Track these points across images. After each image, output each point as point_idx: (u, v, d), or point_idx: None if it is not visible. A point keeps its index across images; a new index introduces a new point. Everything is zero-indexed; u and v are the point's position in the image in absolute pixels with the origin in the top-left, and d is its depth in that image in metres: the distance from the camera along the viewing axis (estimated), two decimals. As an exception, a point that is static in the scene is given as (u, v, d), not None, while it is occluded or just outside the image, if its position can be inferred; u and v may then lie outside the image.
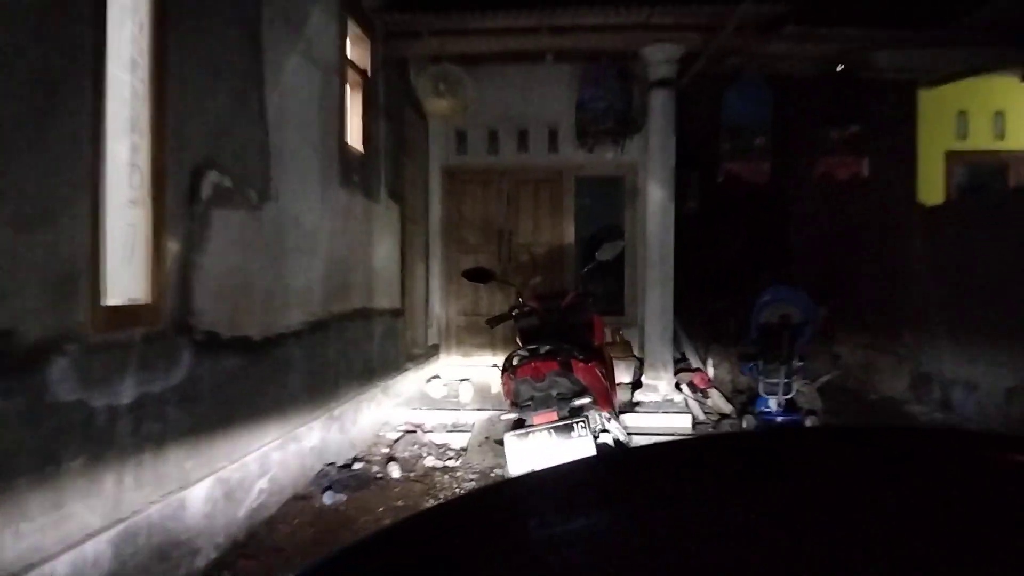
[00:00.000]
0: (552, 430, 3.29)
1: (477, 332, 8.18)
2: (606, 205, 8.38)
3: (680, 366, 8.08)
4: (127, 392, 2.80)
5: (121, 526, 2.77)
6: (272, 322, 4.18)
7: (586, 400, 3.44)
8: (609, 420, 3.96)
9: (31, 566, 2.33)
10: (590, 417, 3.49)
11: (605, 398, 3.80)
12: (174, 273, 3.18)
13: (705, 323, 9.25)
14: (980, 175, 8.99)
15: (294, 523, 4.02)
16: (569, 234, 8.33)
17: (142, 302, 2.96)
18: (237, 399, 3.74)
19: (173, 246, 3.17)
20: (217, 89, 3.64)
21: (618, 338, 8.06)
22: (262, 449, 3.95)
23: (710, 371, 8.21)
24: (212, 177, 3.53)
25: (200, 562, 3.32)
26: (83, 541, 2.58)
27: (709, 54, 6.31)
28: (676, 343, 8.72)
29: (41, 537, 2.41)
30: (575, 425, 3.29)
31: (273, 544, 3.75)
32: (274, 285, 4.22)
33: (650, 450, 1.42)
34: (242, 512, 3.69)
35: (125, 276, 2.86)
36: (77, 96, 2.57)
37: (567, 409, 3.41)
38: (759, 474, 1.01)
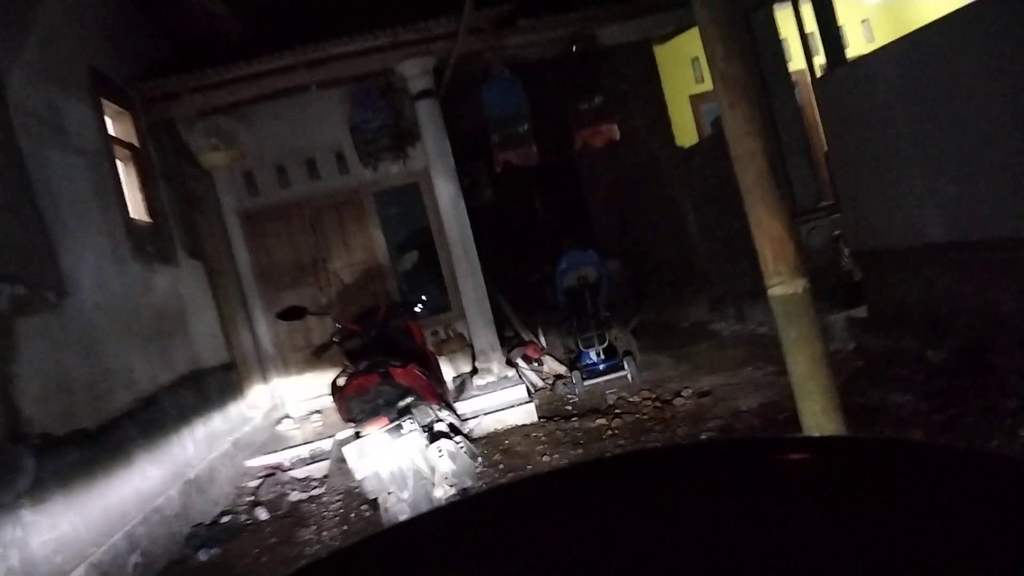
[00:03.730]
0: (385, 432, 3.72)
1: (316, 364, 8.35)
2: (411, 211, 8.72)
3: (514, 342, 8.68)
4: (-23, 510, 2.95)
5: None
6: (102, 408, 4.31)
7: (409, 399, 3.90)
8: (440, 410, 4.43)
9: None
10: (417, 412, 3.95)
11: (430, 392, 4.27)
12: (-7, 389, 3.31)
13: (528, 296, 9.91)
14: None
15: (175, 587, 4.22)
16: (381, 247, 8.62)
17: (-32, 425, 3.09)
18: (89, 487, 3.89)
19: (-16, 365, 3.29)
20: (-13, 204, 3.73)
21: (451, 334, 8.53)
22: (126, 528, 4.10)
23: (542, 340, 8.87)
24: (5, 291, 3.64)
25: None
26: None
27: (457, 60, 6.86)
28: (506, 321, 9.33)
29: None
30: (403, 423, 3.74)
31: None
32: (94, 374, 4.34)
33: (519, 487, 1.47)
34: (121, 591, 3.86)
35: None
36: None
37: (395, 411, 3.84)
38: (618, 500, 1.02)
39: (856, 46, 8.62)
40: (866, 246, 6.08)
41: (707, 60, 2.77)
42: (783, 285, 2.62)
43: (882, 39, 8.30)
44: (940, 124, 4.83)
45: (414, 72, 7.05)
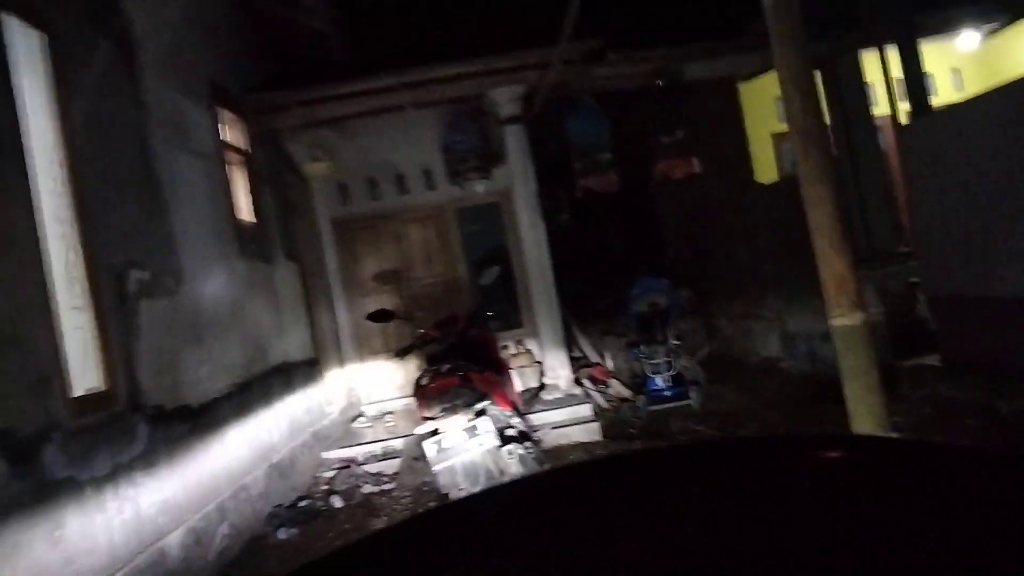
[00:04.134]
0: (462, 431, 4.01)
1: (390, 367, 8.75)
2: (490, 228, 9.07)
3: (581, 363, 8.88)
4: (104, 465, 3.36)
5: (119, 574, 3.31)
6: (205, 390, 4.73)
7: (486, 403, 4.18)
8: (511, 416, 4.70)
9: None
10: (492, 416, 4.23)
11: (504, 399, 4.54)
12: (120, 360, 3.74)
13: (598, 319, 10.08)
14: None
15: (258, 559, 4.57)
16: (460, 261, 9.00)
17: (101, 390, 3.50)
18: (189, 459, 4.30)
19: (115, 338, 3.72)
20: (124, 200, 4.20)
21: (521, 349, 8.80)
22: (218, 500, 4.50)
23: (608, 363, 9.04)
24: (135, 275, 4.08)
25: (183, 604, 3.86)
26: (88, 595, 3.10)
27: (546, 89, 7.18)
28: (574, 342, 9.54)
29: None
30: (479, 424, 4.02)
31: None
32: (201, 357, 4.77)
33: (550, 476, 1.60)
34: (211, 555, 4.23)
35: (83, 370, 3.40)
36: (25, 244, 3.14)
37: (472, 413, 4.13)
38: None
39: (945, 94, 8.60)
40: (942, 294, 6.10)
41: (785, 112, 3.00)
42: (843, 317, 2.83)
43: (972, 88, 8.27)
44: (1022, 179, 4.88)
45: (504, 98, 7.41)
